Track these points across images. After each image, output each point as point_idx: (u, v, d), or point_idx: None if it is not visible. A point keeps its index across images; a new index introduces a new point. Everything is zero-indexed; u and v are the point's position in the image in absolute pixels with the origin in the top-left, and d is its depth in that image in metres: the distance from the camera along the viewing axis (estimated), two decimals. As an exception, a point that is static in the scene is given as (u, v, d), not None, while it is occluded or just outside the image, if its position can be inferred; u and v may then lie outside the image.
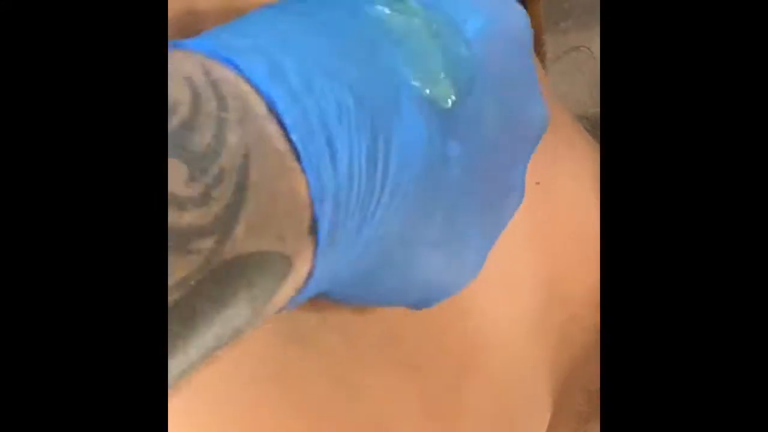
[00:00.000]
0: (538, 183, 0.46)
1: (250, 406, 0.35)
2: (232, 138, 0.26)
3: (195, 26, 0.34)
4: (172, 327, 0.26)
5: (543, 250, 0.42)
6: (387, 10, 0.32)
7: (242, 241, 0.26)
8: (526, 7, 0.38)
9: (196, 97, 0.26)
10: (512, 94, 0.34)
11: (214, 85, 0.27)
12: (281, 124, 0.28)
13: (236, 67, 0.28)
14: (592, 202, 0.47)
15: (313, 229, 0.28)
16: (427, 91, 0.31)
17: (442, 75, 0.32)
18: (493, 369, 0.40)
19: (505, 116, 0.34)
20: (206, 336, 0.27)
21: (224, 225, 0.26)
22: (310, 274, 0.29)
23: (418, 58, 0.32)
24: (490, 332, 0.40)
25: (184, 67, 0.27)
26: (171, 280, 0.25)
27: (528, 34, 0.36)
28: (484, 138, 0.33)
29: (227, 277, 0.26)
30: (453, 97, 0.32)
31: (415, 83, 0.31)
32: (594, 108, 0.59)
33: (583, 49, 0.64)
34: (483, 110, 0.33)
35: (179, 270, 0.25)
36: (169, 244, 0.25)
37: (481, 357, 0.40)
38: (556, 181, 0.46)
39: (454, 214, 0.32)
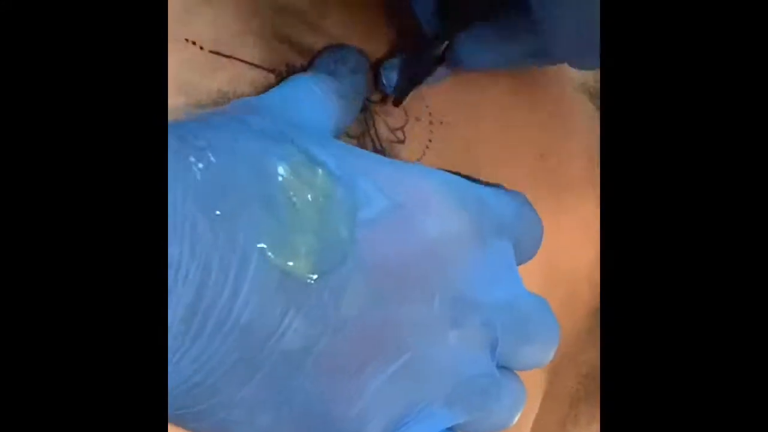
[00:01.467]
0: (542, 156, 0.46)
1: None
2: None
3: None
4: None
5: (545, 226, 0.41)
6: (284, 173, 0.31)
7: None
8: None
9: None
10: (400, 292, 0.32)
11: None
12: None
13: None
14: (593, 180, 0.46)
15: None
16: (283, 263, 0.30)
17: (303, 251, 0.31)
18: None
19: (375, 310, 0.32)
20: None
21: None
22: None
23: (284, 231, 0.31)
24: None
25: None
26: None
27: (483, 237, 0.35)
28: (335, 322, 0.31)
29: None
30: (312, 276, 0.31)
31: (270, 254, 0.30)
32: (595, 77, 0.58)
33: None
34: (344, 294, 0.31)
35: None
36: None
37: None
38: (558, 156, 0.46)
39: (281, 382, 0.31)
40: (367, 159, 0.35)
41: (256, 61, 0.38)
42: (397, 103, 0.42)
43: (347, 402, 0.32)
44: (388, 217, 0.33)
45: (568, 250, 0.45)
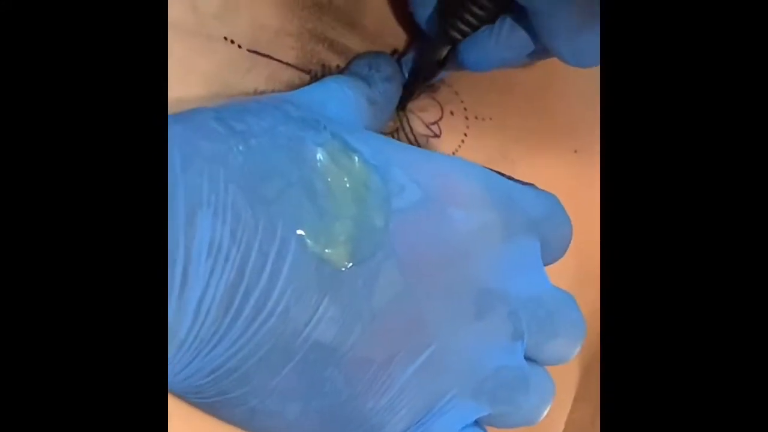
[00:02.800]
0: (576, 151, 0.46)
1: None
2: None
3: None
4: None
5: (576, 221, 0.41)
6: (323, 158, 0.32)
7: None
8: None
9: None
10: (428, 283, 0.33)
11: None
12: None
13: None
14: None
15: None
16: (321, 251, 0.31)
17: (341, 239, 0.31)
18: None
19: (404, 301, 0.32)
20: None
21: None
22: None
23: (324, 218, 0.31)
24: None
25: None
26: None
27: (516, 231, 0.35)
28: (368, 311, 0.31)
29: None
30: (348, 264, 0.31)
31: (309, 241, 0.30)
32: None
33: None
34: (376, 284, 0.32)
35: None
36: None
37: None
38: (593, 151, 0.46)
39: (313, 372, 0.31)
40: (399, 149, 0.35)
41: (291, 61, 0.39)
42: (401, 106, 0.42)
43: (375, 394, 0.32)
44: (420, 206, 0.33)
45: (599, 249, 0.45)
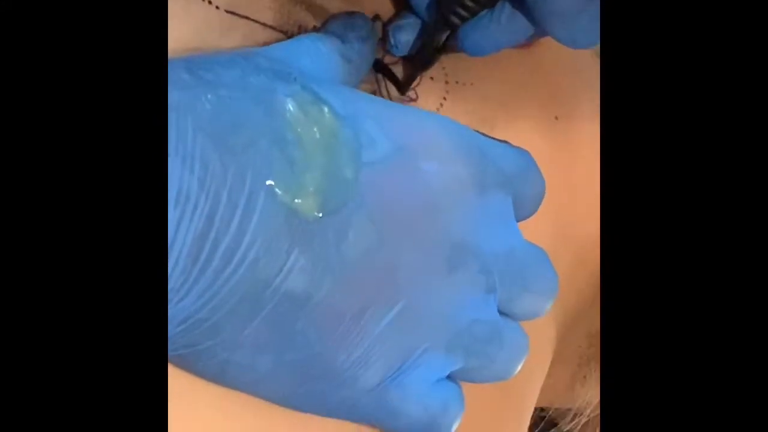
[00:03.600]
0: (557, 118, 0.46)
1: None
2: None
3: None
4: None
5: (555, 187, 0.41)
6: (293, 109, 0.32)
7: None
8: None
9: None
10: (400, 236, 0.33)
11: None
12: None
13: None
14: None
15: None
16: (290, 201, 0.31)
17: (311, 189, 0.31)
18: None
19: (376, 254, 0.32)
20: None
21: None
22: None
23: (293, 168, 0.31)
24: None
25: None
26: None
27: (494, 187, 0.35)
28: (339, 263, 0.32)
29: None
30: (318, 214, 0.31)
31: (278, 191, 0.30)
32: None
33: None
34: (347, 235, 0.32)
35: None
36: None
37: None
38: (573, 118, 0.46)
39: (284, 323, 0.31)
40: (372, 102, 0.35)
41: (269, 22, 0.39)
42: (402, 92, 0.42)
43: (348, 347, 0.32)
44: (390, 160, 0.33)
45: (579, 213, 0.45)
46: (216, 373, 0.32)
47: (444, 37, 0.41)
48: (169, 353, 0.32)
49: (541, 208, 0.38)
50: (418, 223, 0.33)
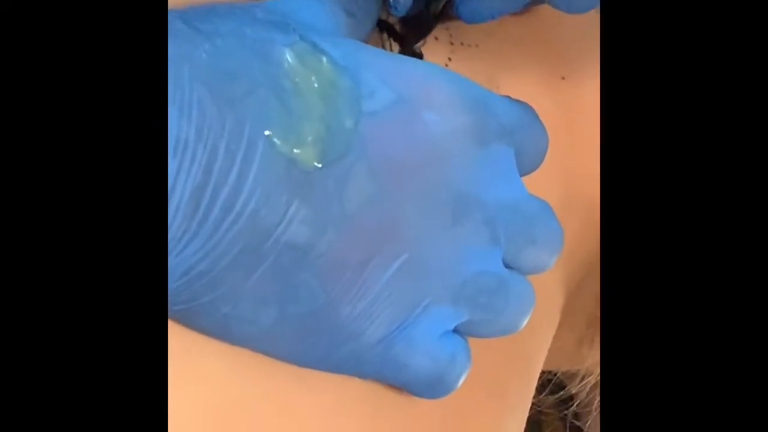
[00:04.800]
0: (563, 78, 0.45)
1: None
2: None
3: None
4: None
5: (563, 147, 0.41)
6: (291, 59, 0.31)
7: None
8: None
9: None
10: (402, 186, 0.32)
11: None
12: None
13: None
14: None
15: None
16: (289, 151, 0.30)
17: (310, 139, 0.31)
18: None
19: (378, 204, 0.32)
20: None
21: None
22: None
23: (292, 118, 0.31)
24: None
25: None
26: None
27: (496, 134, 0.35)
28: (340, 214, 0.31)
29: None
30: (318, 164, 0.31)
31: (277, 141, 0.30)
32: None
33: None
34: (348, 185, 0.31)
35: None
36: None
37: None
38: (580, 78, 0.45)
39: (286, 275, 0.31)
40: (372, 53, 0.34)
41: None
42: (405, 53, 0.41)
43: (351, 299, 0.32)
44: (391, 110, 0.33)
45: (585, 174, 0.44)
46: (219, 328, 0.32)
47: (442, 3, 0.41)
48: (172, 309, 0.32)
49: (547, 169, 0.38)
50: (420, 173, 0.33)
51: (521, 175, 0.36)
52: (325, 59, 0.32)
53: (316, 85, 0.32)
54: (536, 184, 0.37)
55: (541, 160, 0.37)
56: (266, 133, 0.30)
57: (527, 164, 0.36)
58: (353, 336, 0.33)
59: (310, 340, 0.33)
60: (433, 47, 0.42)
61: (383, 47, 0.41)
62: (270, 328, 0.32)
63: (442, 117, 0.33)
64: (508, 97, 0.36)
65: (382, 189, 0.32)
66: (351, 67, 0.32)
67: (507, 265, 0.35)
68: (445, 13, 0.41)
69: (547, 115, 0.38)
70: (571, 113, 0.45)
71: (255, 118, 0.30)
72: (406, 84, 0.33)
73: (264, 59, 0.31)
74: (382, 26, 0.41)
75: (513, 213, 0.34)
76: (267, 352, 0.33)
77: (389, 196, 0.32)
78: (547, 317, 0.43)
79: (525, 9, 0.43)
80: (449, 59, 0.43)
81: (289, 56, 0.31)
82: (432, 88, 0.34)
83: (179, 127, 0.29)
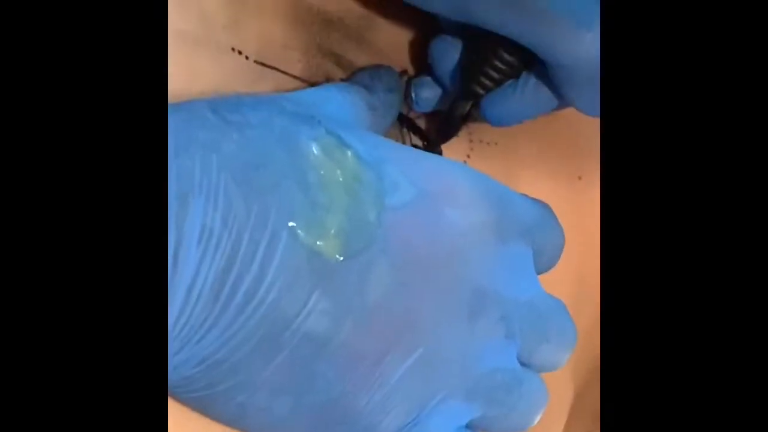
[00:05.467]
0: (580, 178, 0.46)
1: None
2: None
3: None
4: None
5: (577, 246, 0.41)
6: (317, 152, 0.32)
7: None
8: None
9: None
10: (421, 281, 0.33)
11: None
12: None
13: None
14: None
15: None
16: (312, 242, 0.31)
17: (333, 231, 0.31)
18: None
19: (397, 298, 0.32)
20: None
21: None
22: None
23: (316, 210, 0.31)
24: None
25: None
26: None
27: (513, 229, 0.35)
28: (360, 306, 0.31)
29: None
30: (340, 257, 0.31)
31: (300, 232, 0.31)
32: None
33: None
34: (369, 279, 0.32)
35: None
36: None
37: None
38: (595, 178, 0.46)
39: (304, 365, 0.31)
40: (395, 148, 0.35)
41: (298, 74, 0.39)
42: (428, 149, 0.42)
43: (367, 391, 0.32)
44: (414, 204, 0.33)
45: (596, 275, 0.45)
46: (234, 416, 0.32)
47: (468, 106, 0.41)
48: (188, 395, 0.32)
49: (562, 266, 0.38)
50: (440, 268, 0.33)
51: (538, 273, 0.36)
52: (350, 153, 0.33)
53: (340, 179, 0.32)
54: (550, 280, 0.37)
55: (558, 259, 0.37)
56: (290, 224, 0.30)
57: (544, 263, 0.37)
58: (368, 428, 0.33)
59: (325, 430, 0.33)
60: (452, 144, 0.43)
61: (403, 141, 0.42)
62: (285, 417, 0.32)
63: (463, 213, 0.34)
64: (527, 195, 0.37)
65: (403, 282, 0.32)
66: (375, 162, 0.33)
67: (520, 362, 0.35)
68: (471, 115, 0.42)
69: (563, 215, 0.38)
70: (588, 212, 0.45)
71: (280, 208, 0.30)
72: (429, 180, 0.34)
73: (291, 151, 0.32)
74: (403, 120, 0.42)
75: (529, 310, 0.35)
76: None
77: (409, 289, 0.32)
78: (557, 410, 0.43)
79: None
80: (468, 156, 0.43)
81: (315, 149, 0.32)
82: (454, 184, 0.34)
83: (205, 214, 0.29)
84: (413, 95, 0.42)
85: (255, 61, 0.38)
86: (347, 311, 0.31)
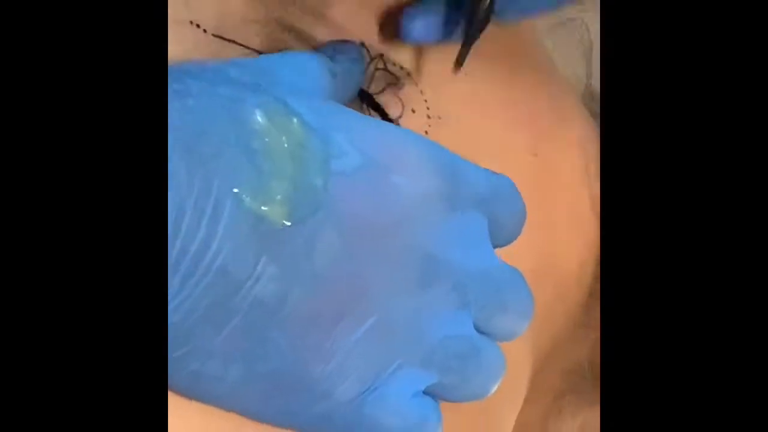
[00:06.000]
0: (536, 155, 0.46)
1: None
2: None
3: None
4: None
5: (536, 223, 0.41)
6: (261, 119, 0.32)
7: None
8: None
9: None
10: (370, 248, 0.33)
11: None
12: None
13: None
14: (586, 180, 0.47)
15: None
16: (257, 208, 0.31)
17: (279, 197, 0.31)
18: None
19: (346, 265, 0.32)
20: None
21: None
22: None
23: (261, 177, 0.31)
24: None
25: None
26: None
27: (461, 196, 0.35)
28: (309, 272, 0.32)
29: None
30: (286, 222, 0.31)
31: (245, 198, 0.31)
32: (587, 81, 0.58)
33: (577, 20, 0.63)
34: (316, 244, 0.32)
35: None
36: None
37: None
38: (553, 155, 0.46)
39: (255, 331, 0.32)
40: (344, 114, 0.35)
41: (257, 47, 0.39)
42: (457, 67, 0.42)
43: (320, 359, 0.32)
44: (361, 171, 0.33)
45: (559, 249, 0.45)
46: (187, 384, 0.32)
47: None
48: None
49: (521, 243, 0.38)
50: (389, 236, 0.33)
51: (498, 246, 0.36)
52: (295, 120, 0.32)
53: (285, 145, 0.32)
54: (508, 257, 0.38)
55: (519, 232, 0.37)
56: (234, 190, 0.30)
57: (504, 235, 0.37)
58: (324, 395, 0.33)
59: (279, 398, 0.33)
60: (410, 120, 0.43)
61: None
62: (238, 384, 0.32)
63: (412, 180, 0.34)
64: (482, 167, 0.37)
65: (351, 249, 0.32)
66: (322, 129, 0.33)
67: (479, 332, 0.35)
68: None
69: (522, 192, 0.38)
70: (544, 190, 0.45)
71: (223, 176, 0.30)
72: (376, 146, 0.34)
73: (234, 119, 0.31)
74: (363, 96, 0.42)
75: (484, 279, 0.35)
76: (235, 410, 0.33)
77: (357, 257, 0.32)
78: (516, 386, 0.43)
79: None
80: (425, 132, 0.43)
81: (259, 116, 0.32)
82: (403, 152, 0.34)
83: None
84: (403, 28, 0.42)
85: (213, 35, 0.38)
86: (296, 277, 0.31)
